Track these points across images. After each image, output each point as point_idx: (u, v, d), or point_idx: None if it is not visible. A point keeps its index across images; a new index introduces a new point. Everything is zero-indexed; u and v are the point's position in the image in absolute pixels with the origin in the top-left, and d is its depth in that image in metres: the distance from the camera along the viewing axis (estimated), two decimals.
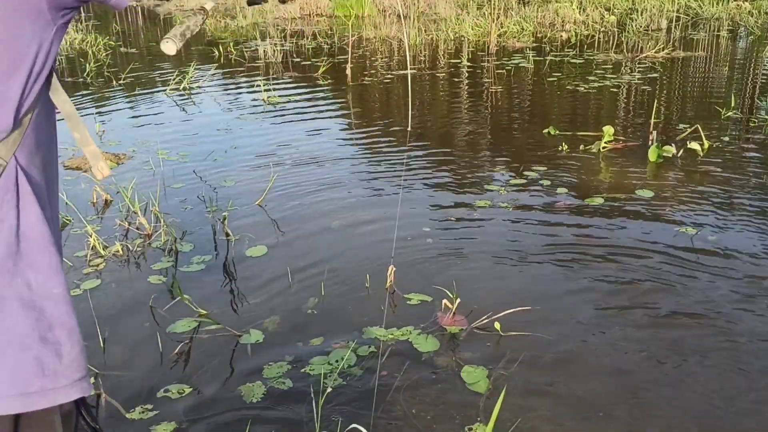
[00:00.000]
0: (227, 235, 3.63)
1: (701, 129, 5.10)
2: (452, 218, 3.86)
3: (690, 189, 4.25)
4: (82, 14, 15.48)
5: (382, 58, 9.68)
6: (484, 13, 12.37)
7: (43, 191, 1.12)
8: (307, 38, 11.71)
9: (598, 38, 10.99)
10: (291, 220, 3.89)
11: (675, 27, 12.10)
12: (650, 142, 5.05)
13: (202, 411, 2.27)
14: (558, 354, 2.56)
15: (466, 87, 7.86)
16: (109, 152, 5.24)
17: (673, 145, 4.97)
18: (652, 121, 5.45)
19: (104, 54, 10.23)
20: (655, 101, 6.15)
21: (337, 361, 2.51)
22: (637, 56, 9.20)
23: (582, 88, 7.33)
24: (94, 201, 4.19)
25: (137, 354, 2.63)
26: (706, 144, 4.98)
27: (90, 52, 10.01)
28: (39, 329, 1.08)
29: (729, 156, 4.91)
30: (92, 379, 2.01)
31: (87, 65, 8.99)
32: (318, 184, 4.46)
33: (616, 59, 9.00)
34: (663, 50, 9.38)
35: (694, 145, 4.91)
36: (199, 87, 7.96)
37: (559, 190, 4.26)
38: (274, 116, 6.46)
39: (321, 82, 8.08)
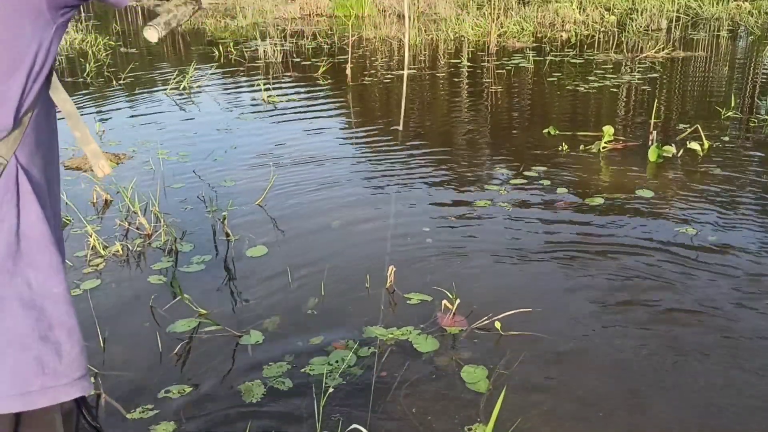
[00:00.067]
0: (227, 235, 3.63)
1: (701, 129, 5.11)
2: (452, 218, 3.86)
3: (690, 189, 4.25)
4: (82, 14, 15.49)
5: (382, 58, 9.68)
6: (484, 13, 12.37)
7: (43, 190, 1.12)
8: (307, 38, 11.71)
9: (598, 38, 10.99)
10: (291, 219, 3.89)
11: (675, 27, 12.11)
12: (650, 142, 5.05)
13: (202, 411, 2.27)
14: (558, 353, 2.56)
15: (466, 87, 7.86)
16: (109, 152, 5.24)
17: (673, 145, 4.97)
18: (652, 121, 5.45)
19: (104, 54, 10.23)
20: (655, 101, 6.15)
21: (337, 361, 2.51)
22: (637, 56, 9.20)
23: (582, 88, 7.33)
24: (94, 201, 4.19)
25: (137, 354, 2.63)
26: (706, 144, 4.98)
27: (90, 52, 10.01)
28: (39, 328, 1.08)
29: (729, 156, 4.91)
30: (92, 379, 2.01)
31: (87, 65, 8.99)
32: (318, 184, 4.46)
33: (616, 59, 9.00)
34: (663, 50, 9.38)
35: (694, 145, 4.91)
36: (199, 87, 7.96)
37: (559, 189, 4.26)
38: (274, 116, 6.46)
39: (321, 82, 8.08)
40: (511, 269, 3.25)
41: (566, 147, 5.13)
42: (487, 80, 8.02)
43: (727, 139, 5.32)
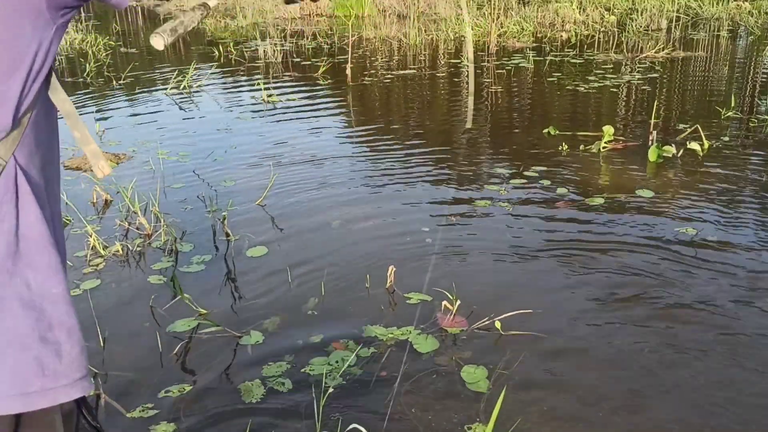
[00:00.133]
0: (227, 235, 3.63)
1: (701, 129, 5.10)
2: (452, 218, 3.85)
3: (690, 189, 4.25)
4: (82, 14, 15.48)
5: (382, 58, 9.68)
6: (484, 13, 12.37)
7: (42, 191, 1.12)
8: (307, 38, 11.71)
9: (598, 38, 10.99)
10: (291, 219, 3.89)
11: (675, 27, 12.10)
12: (650, 142, 5.05)
13: (202, 410, 2.27)
14: (559, 353, 2.56)
15: (466, 87, 7.86)
16: (109, 152, 5.24)
17: (673, 145, 4.97)
18: (652, 121, 5.45)
19: (104, 54, 10.23)
20: (655, 101, 6.15)
21: (336, 361, 2.51)
22: (637, 56, 9.20)
23: (582, 88, 7.33)
24: (94, 201, 4.19)
25: (137, 354, 2.63)
26: (706, 144, 4.98)
27: (90, 52, 10.01)
28: (39, 329, 1.08)
29: (729, 156, 4.91)
30: (92, 379, 2.01)
31: (87, 65, 8.99)
32: (318, 184, 4.46)
33: (616, 59, 9.00)
34: (663, 50, 9.38)
35: (694, 145, 4.91)
36: (199, 87, 7.96)
37: (559, 189, 4.26)
38: (274, 116, 6.47)
39: (321, 82, 8.08)
40: (511, 269, 3.25)
41: (566, 147, 5.13)
42: (487, 80, 8.02)
43: (727, 139, 5.32)
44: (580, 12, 12.89)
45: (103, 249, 3.46)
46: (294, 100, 7.17)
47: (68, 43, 10.93)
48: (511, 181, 4.44)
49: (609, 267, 3.23)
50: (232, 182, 4.53)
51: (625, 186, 4.32)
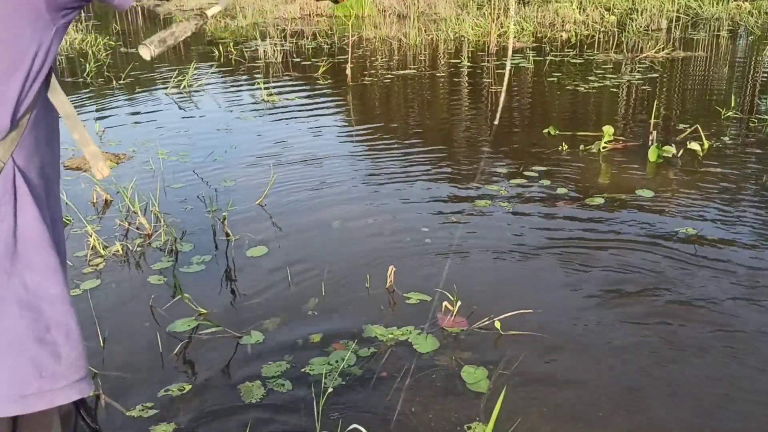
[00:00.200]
0: (227, 235, 3.62)
1: (701, 129, 5.10)
2: (452, 217, 3.85)
3: (690, 188, 4.25)
4: (82, 14, 15.47)
5: (382, 58, 9.68)
6: (484, 13, 12.36)
7: (41, 192, 1.12)
8: (307, 38, 11.71)
9: (598, 38, 10.99)
10: (291, 219, 3.89)
11: (675, 27, 12.10)
12: (650, 142, 5.05)
13: (202, 410, 2.27)
14: (559, 353, 2.56)
15: (466, 87, 7.86)
16: (109, 152, 5.24)
17: (673, 145, 4.97)
18: (652, 121, 5.45)
19: (104, 54, 10.23)
20: (655, 101, 6.15)
21: (337, 361, 2.51)
22: (637, 56, 9.20)
23: (582, 88, 7.32)
24: (94, 201, 4.19)
25: (137, 354, 2.63)
26: (706, 144, 4.98)
27: (90, 52, 10.01)
28: (36, 330, 1.08)
29: (729, 156, 4.91)
30: (91, 379, 2.01)
31: (87, 65, 8.99)
32: (318, 184, 4.46)
33: (616, 59, 9.00)
34: (663, 50, 9.38)
35: (694, 145, 4.91)
36: (199, 87, 7.96)
37: (559, 189, 4.26)
38: (274, 116, 6.46)
39: (321, 82, 8.08)
40: (512, 268, 3.25)
41: (566, 147, 5.12)
42: (487, 80, 8.01)
43: (727, 138, 5.32)
44: (580, 12, 12.89)
45: (103, 249, 3.46)
46: (294, 99, 7.17)
47: (68, 43, 10.93)
48: (511, 181, 4.44)
49: (609, 266, 3.22)
50: (232, 182, 4.53)
51: (625, 186, 4.31)
